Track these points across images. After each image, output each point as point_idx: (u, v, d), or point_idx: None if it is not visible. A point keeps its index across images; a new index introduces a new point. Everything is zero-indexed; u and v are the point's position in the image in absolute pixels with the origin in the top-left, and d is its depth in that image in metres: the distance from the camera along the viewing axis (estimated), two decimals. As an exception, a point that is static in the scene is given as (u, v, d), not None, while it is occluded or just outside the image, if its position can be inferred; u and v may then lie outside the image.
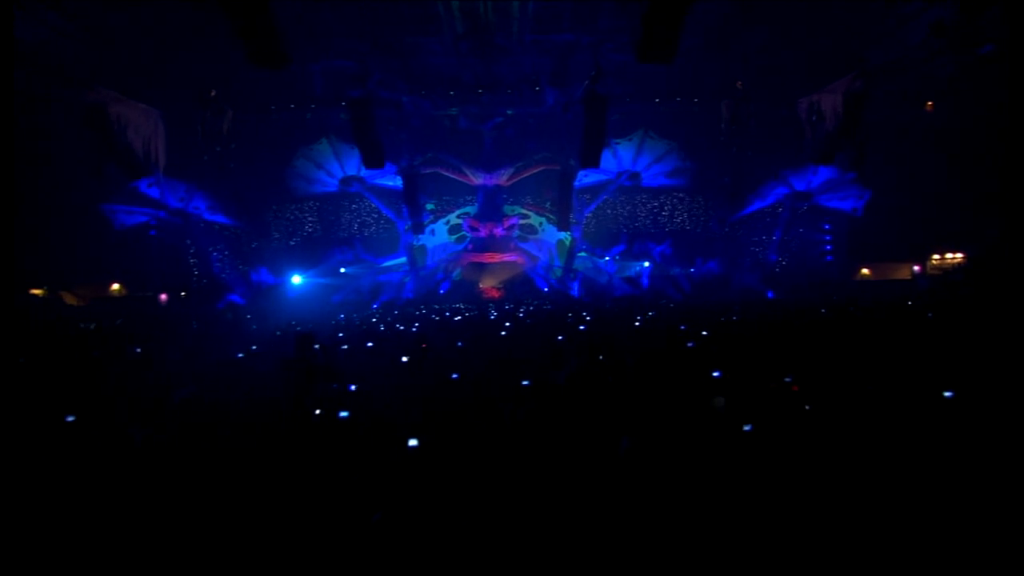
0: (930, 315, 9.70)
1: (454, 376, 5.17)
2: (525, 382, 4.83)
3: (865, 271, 23.87)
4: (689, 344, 8.32)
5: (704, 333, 9.18)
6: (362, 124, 18.49)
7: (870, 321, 10.47)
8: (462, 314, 15.78)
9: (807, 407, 4.87)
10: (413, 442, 3.34)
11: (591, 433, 3.89)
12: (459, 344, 7.45)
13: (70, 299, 19.39)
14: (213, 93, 16.41)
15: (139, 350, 7.51)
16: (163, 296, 20.86)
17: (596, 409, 4.53)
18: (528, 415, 4.13)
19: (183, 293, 21.61)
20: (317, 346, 5.98)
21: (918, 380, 5.06)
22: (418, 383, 5.07)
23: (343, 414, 3.88)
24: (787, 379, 5.33)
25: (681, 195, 25.55)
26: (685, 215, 25.78)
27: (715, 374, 5.61)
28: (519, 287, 24.51)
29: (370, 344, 7.81)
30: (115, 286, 21.33)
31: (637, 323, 11.03)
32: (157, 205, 19.93)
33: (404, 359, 6.11)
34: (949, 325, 8.71)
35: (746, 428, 3.92)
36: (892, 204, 20.65)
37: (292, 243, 25.42)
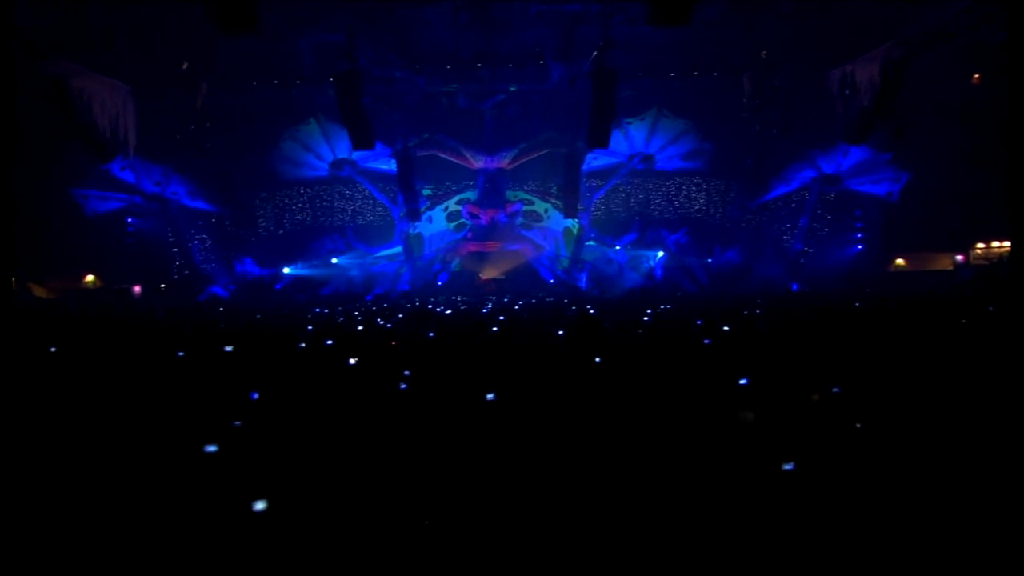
0: (991, 308, 8.63)
1: (402, 387, 4.21)
2: (490, 395, 3.86)
3: (900, 261, 22.85)
4: (706, 341, 7.35)
5: (725, 328, 8.17)
6: (350, 101, 17.74)
7: (916, 317, 9.38)
8: (456, 307, 15.01)
9: (858, 425, 3.87)
10: (260, 505, 2.38)
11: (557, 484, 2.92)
12: (431, 335, 6.54)
13: (39, 291, 18.71)
14: (185, 66, 15.53)
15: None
16: (137, 288, 20.14)
17: (578, 433, 3.55)
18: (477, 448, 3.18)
19: (163, 285, 20.87)
20: None
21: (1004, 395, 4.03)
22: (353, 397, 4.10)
23: (209, 448, 2.91)
24: (835, 389, 4.32)
25: (698, 179, 24.45)
26: (702, 201, 24.72)
27: (742, 381, 4.61)
28: (522, 278, 23.77)
29: (329, 342, 6.90)
30: (89, 277, 20.67)
31: (646, 318, 10.05)
32: (131, 190, 19.22)
33: (351, 361, 5.17)
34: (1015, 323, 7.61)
35: (787, 467, 2.92)
36: (932, 188, 19.44)
37: (281, 232, 24.66)
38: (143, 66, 15.77)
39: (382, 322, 10.67)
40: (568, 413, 4.21)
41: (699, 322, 9.13)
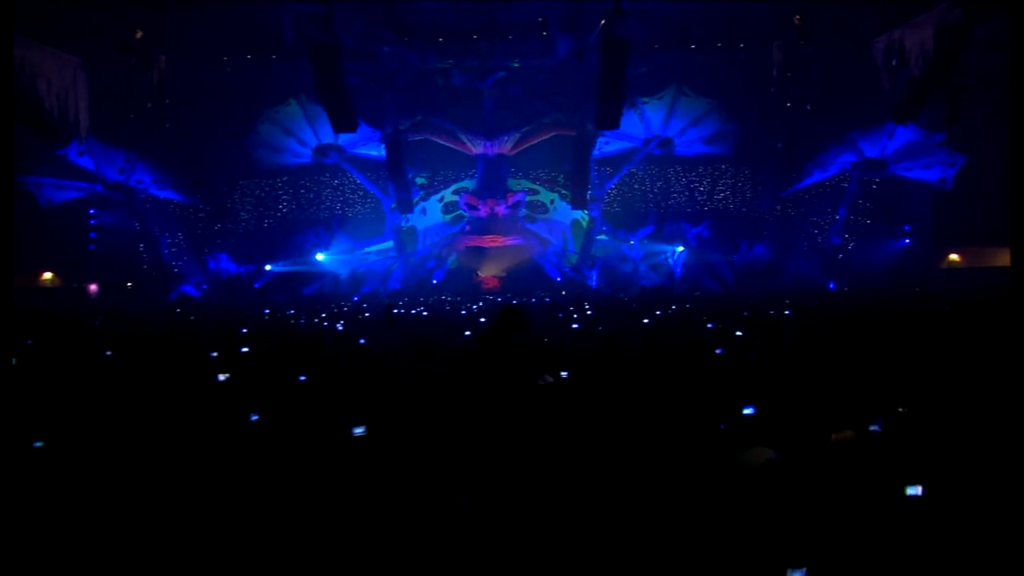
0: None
1: (253, 417, 3.24)
2: (359, 429, 2.89)
3: (954, 257, 21.72)
4: (718, 351, 6.32)
5: (739, 334, 7.10)
6: (329, 77, 17.08)
7: (979, 323, 8.19)
8: (445, 307, 14.21)
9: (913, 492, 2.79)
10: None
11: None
12: (362, 341, 5.74)
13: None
14: (139, 35, 14.78)
15: None
16: (93, 287, 19.54)
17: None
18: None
19: (129, 284, 20.28)
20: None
21: None
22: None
23: None
24: (873, 427, 3.25)
25: (723, 165, 23.83)
26: (727, 190, 24.18)
27: (747, 411, 3.55)
28: (526, 276, 23.04)
29: (245, 349, 6.02)
30: (47, 275, 20.15)
31: (647, 321, 9.01)
32: (91, 178, 18.63)
33: (221, 378, 4.27)
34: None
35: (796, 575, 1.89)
36: (992, 172, 18.09)
37: (261, 225, 24.11)
38: (94, 35, 15.05)
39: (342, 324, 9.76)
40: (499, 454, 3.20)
41: (711, 325, 8.07)
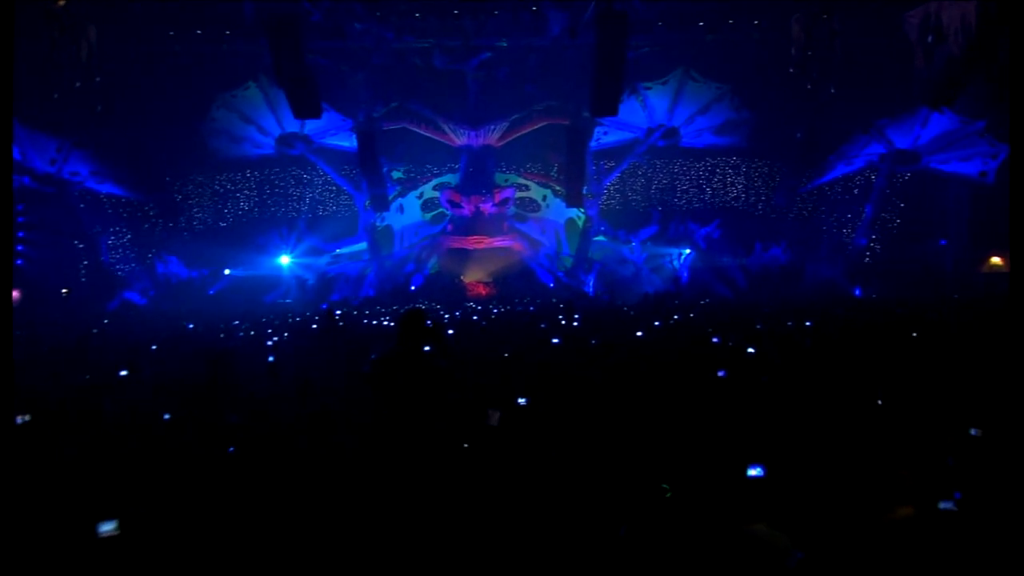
0: None
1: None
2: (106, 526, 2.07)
3: (996, 260, 21.35)
4: (720, 373, 5.52)
5: (750, 351, 6.30)
6: (289, 54, 16.42)
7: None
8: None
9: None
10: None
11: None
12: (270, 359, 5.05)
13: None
14: (61, 1, 14.03)
15: None
16: (15, 293, 18.77)
17: None
18: None
19: (64, 291, 19.56)
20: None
21: None
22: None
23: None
24: (945, 504, 2.37)
25: (735, 158, 23.79)
26: (740, 186, 24.13)
27: (753, 472, 2.68)
28: (515, 282, 22.51)
29: (124, 373, 5.23)
30: (-32, 281, 19.43)
31: (640, 334, 8.18)
32: (18, 169, 17.94)
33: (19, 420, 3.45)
34: None
35: None
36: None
37: (222, 224, 23.77)
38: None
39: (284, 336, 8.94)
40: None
41: (716, 340, 7.24)
